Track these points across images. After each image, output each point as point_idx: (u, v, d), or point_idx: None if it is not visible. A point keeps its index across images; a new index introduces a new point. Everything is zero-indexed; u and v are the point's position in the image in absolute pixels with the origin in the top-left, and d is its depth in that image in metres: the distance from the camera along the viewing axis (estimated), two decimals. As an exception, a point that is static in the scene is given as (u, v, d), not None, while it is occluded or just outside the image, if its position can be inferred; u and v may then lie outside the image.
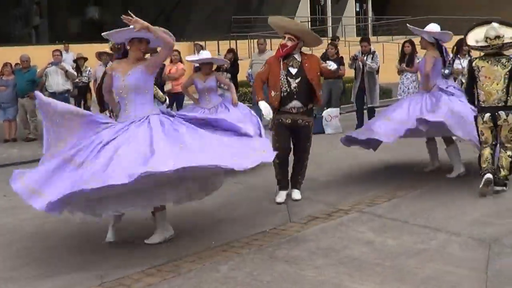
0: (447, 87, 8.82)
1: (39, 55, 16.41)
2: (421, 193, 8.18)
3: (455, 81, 12.07)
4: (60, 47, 20.20)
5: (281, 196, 8.02)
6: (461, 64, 12.14)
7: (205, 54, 10.38)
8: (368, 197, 8.02)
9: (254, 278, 5.33)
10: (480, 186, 7.81)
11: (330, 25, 36.29)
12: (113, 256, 6.12)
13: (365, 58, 13.46)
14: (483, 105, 7.98)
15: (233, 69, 15.13)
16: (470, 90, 8.22)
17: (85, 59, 15.14)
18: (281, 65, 7.96)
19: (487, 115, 7.91)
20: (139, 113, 6.14)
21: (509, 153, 7.99)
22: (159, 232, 6.44)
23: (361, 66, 13.58)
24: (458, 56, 12.32)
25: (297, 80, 7.89)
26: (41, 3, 27.24)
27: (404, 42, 13.89)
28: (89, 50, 15.26)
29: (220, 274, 5.47)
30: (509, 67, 7.88)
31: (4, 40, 23.62)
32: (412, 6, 39.31)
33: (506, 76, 7.86)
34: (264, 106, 7.79)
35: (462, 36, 8.81)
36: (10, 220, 7.64)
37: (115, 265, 5.82)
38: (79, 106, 14.92)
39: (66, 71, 13.85)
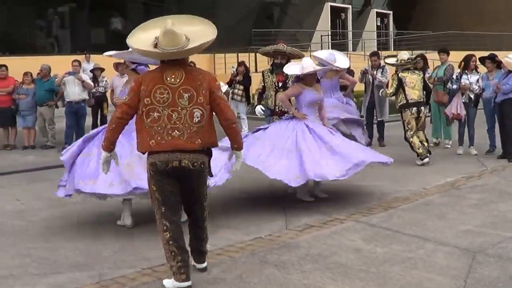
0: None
1: (60, 64, 16.71)
2: (416, 205, 8.36)
3: (462, 96, 12.07)
4: (82, 57, 20.62)
5: None
6: (469, 79, 12.02)
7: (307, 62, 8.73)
8: (365, 208, 8.21)
9: (243, 280, 5.59)
10: (419, 164, 11.17)
11: (351, 39, 36.45)
12: (112, 257, 6.42)
13: (375, 72, 13.60)
14: (411, 102, 11.32)
15: (246, 81, 15.52)
16: (396, 93, 11.51)
17: (102, 69, 15.39)
18: None
19: (415, 108, 11.32)
20: None
21: (423, 131, 11.67)
22: None
23: (371, 80, 13.69)
24: (466, 71, 12.15)
25: None
26: (64, 14, 27.62)
27: (415, 57, 13.97)
28: (110, 60, 15.49)
29: (211, 276, 5.73)
30: (421, 75, 11.78)
31: (26, 50, 24.00)
32: (434, 22, 39.44)
33: (421, 81, 11.66)
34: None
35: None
36: (18, 222, 7.97)
37: (113, 266, 6.13)
38: (95, 115, 15.30)
39: (82, 81, 14.16)
